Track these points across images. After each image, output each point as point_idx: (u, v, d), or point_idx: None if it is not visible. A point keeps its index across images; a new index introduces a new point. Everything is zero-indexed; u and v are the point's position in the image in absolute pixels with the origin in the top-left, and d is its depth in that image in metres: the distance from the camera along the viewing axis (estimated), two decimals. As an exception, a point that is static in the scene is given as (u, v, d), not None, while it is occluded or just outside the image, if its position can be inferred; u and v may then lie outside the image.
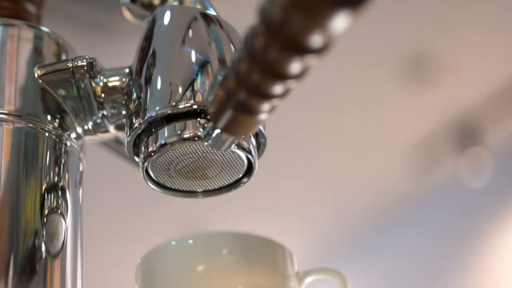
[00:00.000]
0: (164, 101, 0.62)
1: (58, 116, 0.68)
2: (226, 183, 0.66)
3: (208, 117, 0.58)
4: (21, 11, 0.74)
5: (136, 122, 0.63)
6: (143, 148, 0.63)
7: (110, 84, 0.68)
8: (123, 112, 0.68)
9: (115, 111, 0.69)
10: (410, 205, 3.50)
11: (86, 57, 0.68)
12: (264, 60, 0.47)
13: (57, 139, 0.67)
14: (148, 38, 0.67)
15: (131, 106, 0.65)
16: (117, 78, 0.68)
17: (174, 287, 0.60)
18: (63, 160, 0.67)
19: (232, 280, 0.60)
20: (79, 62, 0.67)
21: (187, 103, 0.61)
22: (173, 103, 0.61)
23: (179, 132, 0.61)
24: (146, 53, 0.66)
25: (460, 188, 3.27)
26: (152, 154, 0.62)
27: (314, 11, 0.42)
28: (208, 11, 0.68)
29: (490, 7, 2.47)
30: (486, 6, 2.47)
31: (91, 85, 0.68)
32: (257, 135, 0.65)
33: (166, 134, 0.62)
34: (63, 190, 0.66)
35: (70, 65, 0.67)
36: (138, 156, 0.65)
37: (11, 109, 0.65)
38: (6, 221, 0.61)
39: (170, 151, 0.62)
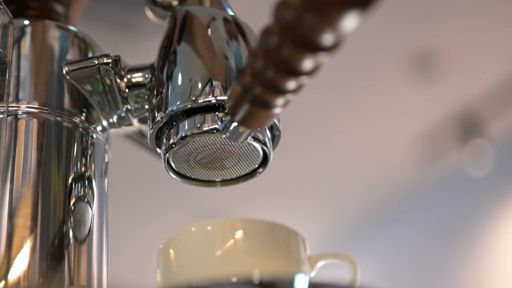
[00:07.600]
0: (184, 96, 0.62)
1: (85, 110, 0.68)
2: (243, 173, 0.66)
3: (226, 111, 0.58)
4: (49, 11, 0.74)
5: (158, 116, 0.63)
6: (164, 140, 0.63)
7: (133, 80, 0.68)
8: (146, 106, 0.68)
9: (139, 105, 0.69)
10: (416, 192, 3.49)
11: (111, 54, 0.68)
12: (278, 57, 0.47)
13: (84, 132, 0.67)
14: (169, 37, 0.67)
15: (154, 101, 0.65)
16: (140, 74, 0.68)
17: (194, 271, 0.60)
18: (89, 152, 0.67)
19: (249, 265, 0.60)
20: (105, 59, 0.67)
21: (206, 97, 0.61)
22: (193, 98, 0.61)
23: (198, 125, 0.61)
24: (167, 51, 0.66)
25: (463, 176, 3.26)
26: (173, 145, 0.62)
27: (325, 11, 0.42)
28: (225, 12, 0.68)
29: (492, 4, 2.46)
30: (487, 3, 2.46)
31: (116, 80, 0.67)
32: (272, 128, 0.65)
33: (186, 127, 0.62)
34: (90, 180, 0.66)
35: (96, 62, 0.67)
36: (160, 147, 0.65)
37: (41, 103, 0.65)
38: (35, 208, 0.61)
39: (190, 142, 0.62)
